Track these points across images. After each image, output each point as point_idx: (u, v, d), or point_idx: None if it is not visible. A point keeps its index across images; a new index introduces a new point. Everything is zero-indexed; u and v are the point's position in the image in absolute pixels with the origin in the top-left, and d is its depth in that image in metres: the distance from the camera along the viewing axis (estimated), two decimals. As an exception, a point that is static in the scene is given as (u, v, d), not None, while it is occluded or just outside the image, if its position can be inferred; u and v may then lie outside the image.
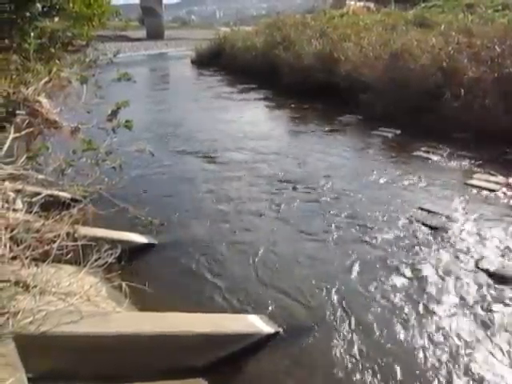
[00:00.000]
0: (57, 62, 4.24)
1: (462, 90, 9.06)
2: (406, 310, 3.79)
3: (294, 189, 6.42)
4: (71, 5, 6.45)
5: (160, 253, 4.74)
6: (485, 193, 6.24)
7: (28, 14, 5.92)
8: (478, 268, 4.38)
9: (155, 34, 47.96)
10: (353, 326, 3.59)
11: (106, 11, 7.12)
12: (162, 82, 20.88)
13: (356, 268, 4.40)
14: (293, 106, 12.57)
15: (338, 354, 3.31)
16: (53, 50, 5.46)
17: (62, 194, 3.96)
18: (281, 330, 3.53)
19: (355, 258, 4.59)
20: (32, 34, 4.96)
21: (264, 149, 8.44)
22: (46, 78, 3.95)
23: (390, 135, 9.40)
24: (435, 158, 7.87)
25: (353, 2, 28.43)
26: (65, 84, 4.32)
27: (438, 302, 3.88)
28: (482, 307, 3.81)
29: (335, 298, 3.95)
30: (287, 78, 14.28)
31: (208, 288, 4.12)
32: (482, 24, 11.49)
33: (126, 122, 4.15)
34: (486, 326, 3.59)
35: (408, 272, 4.35)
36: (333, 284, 4.13)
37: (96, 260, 3.02)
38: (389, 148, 8.62)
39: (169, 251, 4.78)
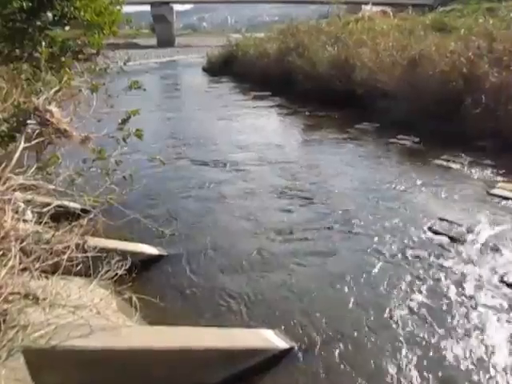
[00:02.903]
0: (67, 70, 4.29)
1: (484, 97, 8.99)
2: (428, 329, 3.73)
3: (309, 201, 6.39)
4: (82, 13, 6.58)
5: (171, 264, 4.76)
6: (509, 202, 6.16)
7: (39, 23, 6.05)
8: (503, 282, 4.30)
9: (166, 42, 48.64)
10: (372, 343, 3.54)
11: (117, 19, 7.25)
12: (173, 90, 21.13)
13: (373, 283, 4.35)
14: (307, 113, 12.63)
15: (357, 372, 3.25)
16: (63, 59, 5.56)
17: (71, 204, 4.02)
18: (297, 345, 3.49)
19: (372, 271, 4.55)
20: (43, 43, 5.06)
21: (279, 158, 8.44)
22: (57, 87, 4.00)
23: (408, 143, 9.36)
24: (456, 166, 7.81)
25: (368, 7, 28.48)
26: (75, 93, 4.37)
27: (462, 321, 3.82)
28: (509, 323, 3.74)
29: (352, 313, 3.92)
30: (301, 85, 14.37)
31: (221, 301, 4.10)
32: (503, 28, 11.42)
33: (137, 130, 4.17)
34: (512, 343, 3.52)
35: (427, 288, 4.29)
36: (350, 299, 4.10)
37: (106, 272, 3.04)
38: (407, 156, 8.58)
39: (180, 263, 4.78)
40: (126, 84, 4.55)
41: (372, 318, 3.84)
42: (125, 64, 5.61)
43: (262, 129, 10.99)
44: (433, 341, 3.59)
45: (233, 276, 4.53)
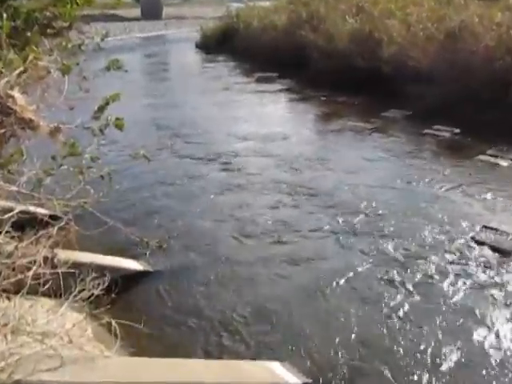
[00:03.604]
0: (33, 48, 4.27)
1: (538, 77, 8.97)
2: (472, 366, 3.70)
3: (325, 204, 6.39)
4: (51, -22, 6.56)
5: (158, 283, 4.75)
6: None
7: (-1, -9, 6.04)
8: None
9: (152, 13, 48.69)
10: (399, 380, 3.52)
11: (93, -14, 7.23)
12: (160, 70, 21.08)
13: (404, 306, 4.34)
14: (323, 99, 12.64)
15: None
16: (29, 34, 5.54)
17: (38, 210, 4.01)
18: (309, 380, 3.50)
19: (404, 292, 4.54)
20: (4, 15, 5.05)
21: (288, 154, 8.47)
22: (21, 68, 3.97)
23: (446, 134, 9.35)
24: (505, 163, 7.79)
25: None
26: (43, 75, 4.29)
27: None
28: None
29: (377, 342, 3.90)
30: (316, 64, 14.35)
31: (216, 327, 4.10)
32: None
33: (117, 120, 4.12)
34: None
35: (470, 312, 4.27)
36: (375, 326, 4.10)
37: (80, 292, 3.03)
38: (446, 151, 8.58)
39: (169, 281, 4.79)
40: (103, 64, 4.48)
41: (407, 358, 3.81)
42: (102, 40, 5.55)
43: (267, 118, 11.02)
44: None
45: (232, 296, 4.52)
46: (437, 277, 4.79)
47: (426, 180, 7.11)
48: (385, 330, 4.04)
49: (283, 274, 4.89)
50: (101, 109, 4.33)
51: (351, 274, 4.85)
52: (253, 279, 4.80)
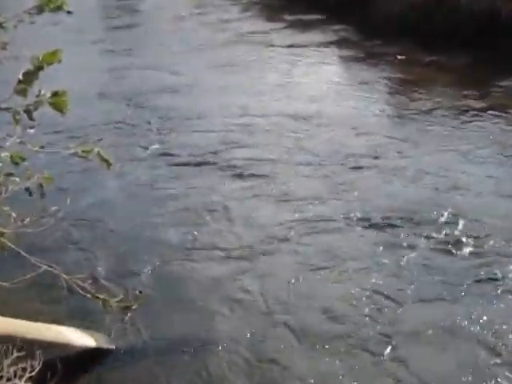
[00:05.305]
0: None
1: None
2: None
3: (413, 234, 4.85)
4: None
5: (121, 366, 3.88)
6: None
7: None
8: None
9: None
10: None
11: None
12: (126, 12, 15.08)
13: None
14: (399, 58, 9.63)
15: None
16: None
17: None
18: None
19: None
20: None
21: (339, 150, 6.22)
22: None
23: None
24: None
25: None
26: None
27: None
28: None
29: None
30: (386, 3, 10.81)
31: None
32: None
33: (55, 96, 2.87)
34: None
35: None
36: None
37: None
38: None
39: (137, 364, 3.92)
40: (32, 2, 3.21)
41: None
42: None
43: (302, 90, 8.13)
44: None
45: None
46: None
47: None
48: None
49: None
50: (28, 77, 2.99)
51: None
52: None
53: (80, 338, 4.06)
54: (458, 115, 6.94)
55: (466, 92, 7.58)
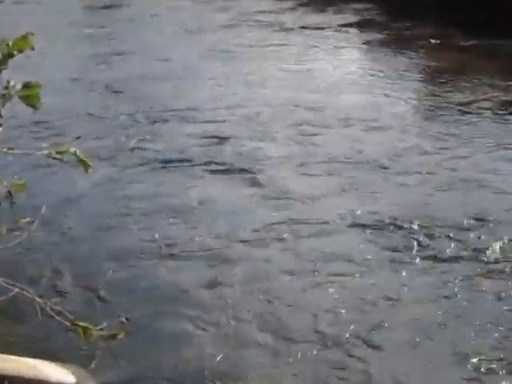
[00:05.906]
0: None
1: None
2: None
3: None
4: None
5: None
6: None
7: None
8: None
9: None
10: None
11: None
12: None
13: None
14: (432, 42, 8.61)
15: None
16: None
17: None
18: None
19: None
20: None
21: (353, 147, 5.49)
22: None
23: None
24: None
25: None
26: None
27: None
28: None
29: None
30: None
31: None
32: None
33: (27, 87, 2.50)
34: None
35: None
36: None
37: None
38: None
39: None
40: None
41: None
42: None
43: (322, 81, 7.04)
44: None
45: None
46: None
47: None
48: None
49: None
50: (-5, 65, 3.14)
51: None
52: None
53: (56, 373, 3.70)
54: (501, 110, 6.23)
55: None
